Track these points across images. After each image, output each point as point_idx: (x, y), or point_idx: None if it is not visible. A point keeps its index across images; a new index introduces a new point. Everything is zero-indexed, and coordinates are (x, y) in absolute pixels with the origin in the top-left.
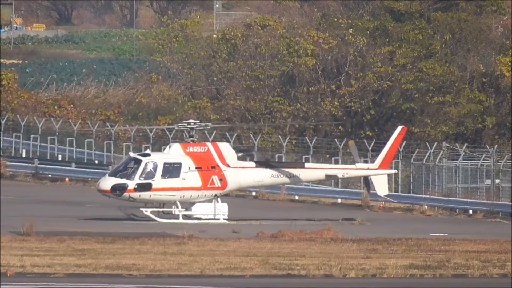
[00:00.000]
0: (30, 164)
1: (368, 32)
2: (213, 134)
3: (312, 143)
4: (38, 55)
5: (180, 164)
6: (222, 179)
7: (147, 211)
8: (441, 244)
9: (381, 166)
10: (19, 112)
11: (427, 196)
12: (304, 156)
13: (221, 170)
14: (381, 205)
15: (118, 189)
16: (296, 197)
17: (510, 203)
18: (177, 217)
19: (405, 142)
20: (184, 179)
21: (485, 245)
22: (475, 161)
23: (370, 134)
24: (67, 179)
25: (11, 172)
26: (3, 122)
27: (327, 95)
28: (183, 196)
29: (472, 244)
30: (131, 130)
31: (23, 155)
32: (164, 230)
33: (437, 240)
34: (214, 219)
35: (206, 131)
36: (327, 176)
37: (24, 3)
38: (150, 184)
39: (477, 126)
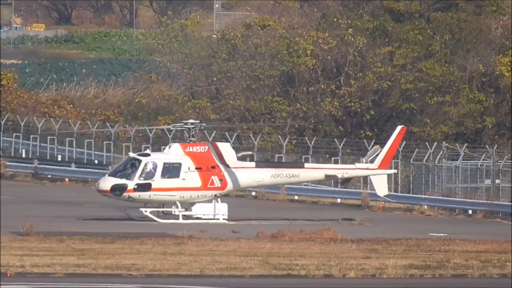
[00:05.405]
0: (30, 164)
1: (367, 32)
2: (213, 134)
3: (312, 143)
4: (37, 55)
5: (180, 164)
6: (222, 179)
7: (147, 211)
8: (441, 244)
9: (381, 166)
10: (18, 112)
11: (427, 196)
12: (304, 156)
13: (221, 170)
14: (380, 205)
15: (118, 189)
16: (296, 197)
17: (510, 203)
18: (177, 217)
19: (404, 142)
20: (184, 179)
21: (485, 245)
22: (475, 161)
23: (370, 134)
24: (66, 179)
25: (11, 172)
26: (3, 122)
27: (327, 95)
28: (183, 196)
29: (472, 244)
30: (131, 131)
31: (23, 155)
32: (164, 230)
33: (437, 240)
34: (214, 219)
35: (206, 131)
36: (326, 176)
37: (24, 3)
38: (149, 184)
39: (477, 126)
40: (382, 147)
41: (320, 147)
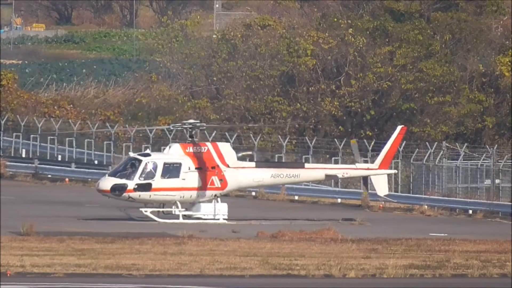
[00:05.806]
0: (30, 164)
1: (368, 32)
2: (213, 134)
3: (312, 143)
4: (38, 55)
5: (180, 164)
6: (222, 179)
7: (147, 211)
8: (441, 244)
9: (381, 166)
10: (19, 112)
11: (427, 196)
12: (304, 156)
13: (221, 170)
14: (381, 205)
15: (118, 189)
16: (296, 197)
17: (510, 203)
18: (177, 217)
19: (405, 142)
20: (184, 179)
21: (485, 245)
22: (475, 161)
23: (370, 134)
24: (67, 179)
25: (11, 172)
26: (3, 122)
27: (327, 95)
28: (183, 196)
29: (472, 244)
30: (131, 131)
31: (23, 155)
32: (164, 230)
33: (437, 240)
34: (214, 219)
35: (206, 131)
36: (327, 176)
37: (24, 3)
38: (149, 184)
39: (477, 126)
40: (382, 147)
41: (320, 147)
